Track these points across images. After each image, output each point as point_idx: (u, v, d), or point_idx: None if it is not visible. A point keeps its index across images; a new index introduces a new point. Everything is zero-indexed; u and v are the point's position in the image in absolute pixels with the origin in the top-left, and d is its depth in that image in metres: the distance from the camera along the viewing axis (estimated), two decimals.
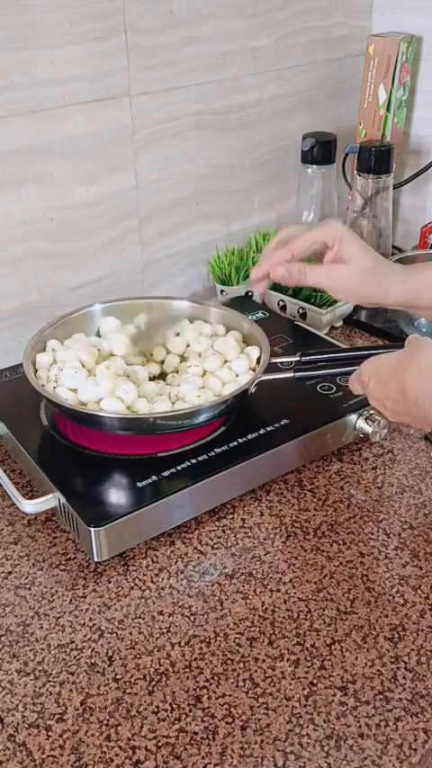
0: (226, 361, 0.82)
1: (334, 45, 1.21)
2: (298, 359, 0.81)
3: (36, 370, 0.80)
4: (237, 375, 0.81)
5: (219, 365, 0.81)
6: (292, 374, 0.79)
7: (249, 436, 0.78)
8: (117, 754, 0.56)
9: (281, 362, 0.81)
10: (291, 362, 0.81)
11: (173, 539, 0.74)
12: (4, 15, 0.82)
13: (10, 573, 0.71)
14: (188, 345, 0.86)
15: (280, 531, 0.75)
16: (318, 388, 0.86)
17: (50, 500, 0.72)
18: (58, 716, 0.58)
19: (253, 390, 0.78)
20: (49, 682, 0.61)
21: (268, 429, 0.79)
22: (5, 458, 0.85)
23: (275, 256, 0.76)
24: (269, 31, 1.10)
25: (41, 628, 0.66)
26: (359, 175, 1.13)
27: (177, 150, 1.05)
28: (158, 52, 0.97)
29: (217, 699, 0.59)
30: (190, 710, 0.59)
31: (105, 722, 0.58)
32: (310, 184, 1.14)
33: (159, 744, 0.56)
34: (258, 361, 0.82)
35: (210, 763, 0.55)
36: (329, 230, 0.75)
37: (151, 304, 0.92)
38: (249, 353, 0.82)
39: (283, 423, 0.80)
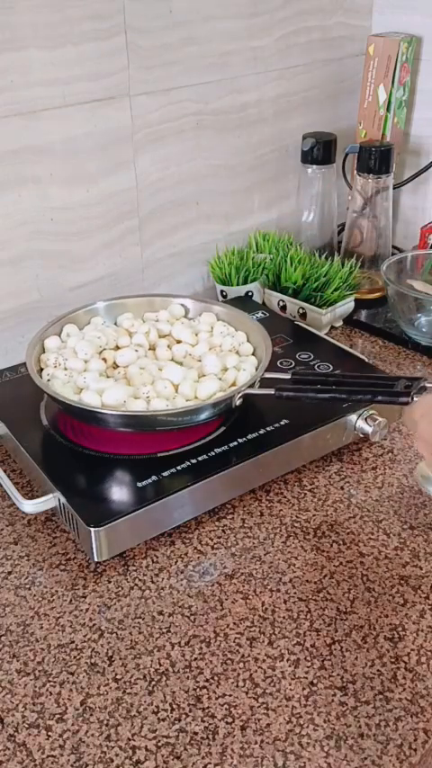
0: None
1: (334, 45, 1.21)
2: (289, 377, 0.80)
3: (43, 352, 0.82)
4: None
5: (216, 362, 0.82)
6: (272, 392, 0.76)
7: (249, 436, 0.78)
8: (117, 755, 0.56)
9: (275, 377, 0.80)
10: (289, 372, 0.82)
11: (173, 539, 0.74)
12: (4, 15, 0.82)
13: (10, 573, 0.71)
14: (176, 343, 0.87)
15: (280, 531, 0.75)
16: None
17: (50, 500, 0.72)
18: (58, 716, 0.58)
19: (238, 403, 0.76)
20: (49, 682, 0.61)
21: (268, 429, 0.79)
22: (5, 458, 0.85)
23: None
24: (269, 31, 1.10)
25: (41, 628, 0.66)
26: (359, 175, 1.13)
27: (177, 150, 1.05)
28: (158, 52, 0.97)
29: (217, 699, 0.59)
30: (190, 710, 0.59)
31: (105, 722, 0.58)
32: (310, 184, 1.14)
33: (159, 744, 0.56)
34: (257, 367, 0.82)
35: (210, 763, 0.55)
36: None
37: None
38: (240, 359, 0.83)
39: (282, 423, 0.80)
